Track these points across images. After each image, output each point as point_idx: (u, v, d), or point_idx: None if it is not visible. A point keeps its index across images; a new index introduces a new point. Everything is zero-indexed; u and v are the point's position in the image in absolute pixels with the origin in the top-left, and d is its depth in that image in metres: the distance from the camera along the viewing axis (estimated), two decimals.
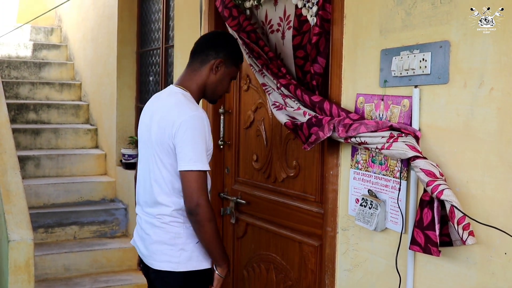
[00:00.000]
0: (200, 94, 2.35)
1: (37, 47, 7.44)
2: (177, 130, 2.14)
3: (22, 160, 5.29)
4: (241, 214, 3.18)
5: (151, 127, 2.28)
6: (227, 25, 2.83)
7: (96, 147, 6.13)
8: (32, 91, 6.63)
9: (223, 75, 2.34)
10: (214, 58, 2.31)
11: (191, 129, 2.15)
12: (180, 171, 2.15)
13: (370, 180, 2.11)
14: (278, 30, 2.63)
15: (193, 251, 2.25)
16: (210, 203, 2.17)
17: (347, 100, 2.21)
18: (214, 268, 2.28)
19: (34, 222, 4.46)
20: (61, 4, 6.79)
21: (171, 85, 2.38)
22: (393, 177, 2.00)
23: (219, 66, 2.31)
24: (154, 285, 2.38)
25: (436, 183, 1.70)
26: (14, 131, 5.28)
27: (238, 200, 3.17)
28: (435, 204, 1.71)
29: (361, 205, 2.11)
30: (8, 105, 5.34)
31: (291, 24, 2.53)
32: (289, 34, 2.54)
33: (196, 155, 2.13)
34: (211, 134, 2.25)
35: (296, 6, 2.46)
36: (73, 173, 5.64)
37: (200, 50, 2.35)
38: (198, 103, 2.35)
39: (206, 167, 2.15)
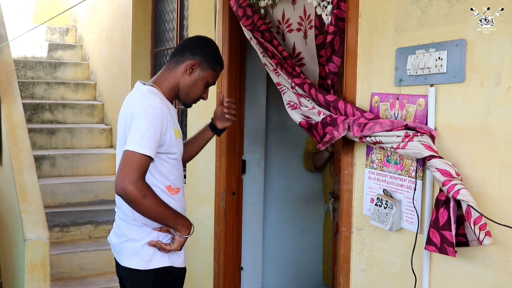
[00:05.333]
0: (172, 93, 2.34)
1: (52, 47, 7.50)
2: (132, 118, 2.15)
3: (38, 159, 5.33)
4: None
5: (119, 124, 2.32)
6: (241, 24, 2.83)
7: (111, 146, 6.16)
8: (48, 91, 6.68)
9: (197, 77, 2.32)
10: (189, 59, 2.30)
11: (143, 116, 2.13)
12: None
13: (385, 180, 2.10)
14: (299, 30, 2.62)
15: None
16: (142, 181, 2.07)
17: (362, 99, 2.20)
18: (174, 232, 2.24)
19: (49, 221, 4.49)
20: (76, 5, 6.83)
21: (137, 81, 2.38)
22: (409, 176, 1.99)
23: (193, 68, 2.30)
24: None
25: (452, 182, 1.68)
26: (30, 131, 5.33)
27: None
28: (451, 204, 1.70)
29: (376, 204, 2.10)
30: (24, 105, 5.38)
31: (313, 23, 2.52)
32: (311, 33, 2.53)
33: (138, 138, 2.09)
34: (172, 127, 2.22)
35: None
36: (88, 173, 5.67)
37: (178, 51, 2.35)
38: (172, 102, 2.34)
39: (145, 151, 2.07)
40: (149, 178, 2.19)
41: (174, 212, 2.22)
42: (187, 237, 2.25)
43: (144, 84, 2.33)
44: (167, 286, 2.31)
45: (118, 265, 2.39)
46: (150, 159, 2.11)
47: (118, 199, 2.32)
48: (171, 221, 2.20)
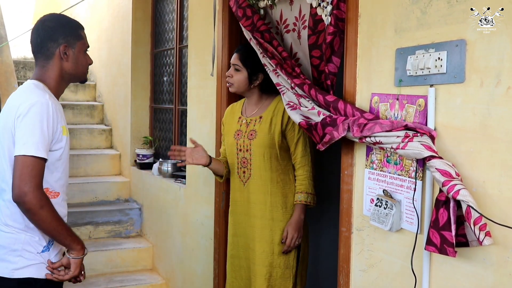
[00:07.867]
0: (58, 86, 2.29)
1: None
2: (19, 115, 2.07)
3: None
4: None
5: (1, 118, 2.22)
6: (241, 24, 2.83)
7: (111, 147, 6.17)
8: None
9: (75, 55, 2.29)
10: (56, 48, 2.25)
11: (33, 115, 2.06)
12: (14, 157, 2.04)
13: (385, 180, 2.10)
14: (294, 30, 2.62)
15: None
16: (40, 190, 2.02)
17: (362, 100, 2.20)
18: (67, 254, 2.17)
19: None
20: (75, 5, 6.83)
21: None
22: (408, 177, 1.99)
23: (66, 51, 2.26)
24: None
25: (452, 183, 1.68)
26: None
27: None
28: (451, 204, 1.70)
29: (376, 205, 2.10)
30: None
31: (306, 23, 2.53)
32: (304, 33, 2.53)
33: (31, 140, 2.02)
34: (62, 124, 2.18)
35: (311, 5, 2.45)
36: (88, 173, 5.67)
37: (39, 48, 2.28)
38: (59, 95, 2.32)
39: (41, 153, 2.03)
40: None
41: (69, 228, 2.16)
42: (82, 257, 2.20)
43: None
44: None
45: None
46: (45, 161, 2.07)
47: None
48: (67, 237, 2.14)
